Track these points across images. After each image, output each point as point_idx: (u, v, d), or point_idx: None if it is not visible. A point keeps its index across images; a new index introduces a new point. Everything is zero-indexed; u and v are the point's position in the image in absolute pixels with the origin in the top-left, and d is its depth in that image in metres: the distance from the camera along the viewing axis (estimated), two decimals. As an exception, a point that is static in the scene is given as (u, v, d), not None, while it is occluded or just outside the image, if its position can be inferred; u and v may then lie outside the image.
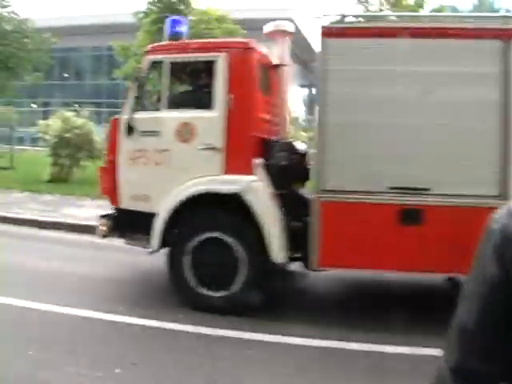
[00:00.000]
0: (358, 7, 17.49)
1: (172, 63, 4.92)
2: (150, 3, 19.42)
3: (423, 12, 16.91)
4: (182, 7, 19.13)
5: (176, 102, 4.98)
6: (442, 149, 4.52)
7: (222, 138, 4.79)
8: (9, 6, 17.53)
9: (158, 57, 4.95)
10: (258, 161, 4.84)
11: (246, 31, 15.53)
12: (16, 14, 17.60)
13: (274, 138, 5.19)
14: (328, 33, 4.60)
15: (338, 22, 4.70)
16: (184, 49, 4.96)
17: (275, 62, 5.35)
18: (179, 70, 5.09)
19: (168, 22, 5.04)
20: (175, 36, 5.02)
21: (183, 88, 5.48)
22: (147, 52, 5.01)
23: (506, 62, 4.45)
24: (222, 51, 4.82)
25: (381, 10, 17.06)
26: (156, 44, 5.09)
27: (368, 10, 17.41)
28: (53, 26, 22.26)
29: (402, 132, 4.55)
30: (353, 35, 4.64)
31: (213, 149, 4.79)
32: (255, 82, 4.85)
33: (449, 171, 4.52)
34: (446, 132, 4.52)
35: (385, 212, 4.54)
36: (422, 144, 4.54)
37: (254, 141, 4.83)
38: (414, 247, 4.53)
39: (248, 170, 4.79)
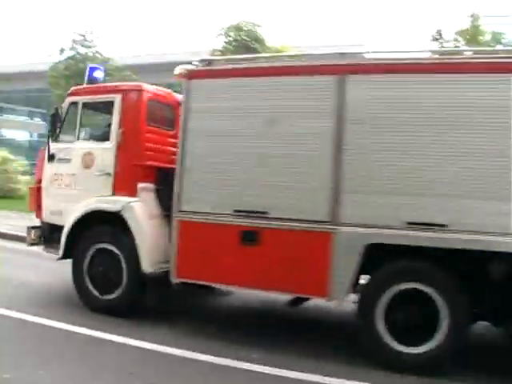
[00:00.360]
0: (433, 44, 17.22)
1: (83, 103, 6.01)
2: (226, 42, 20.93)
3: (499, 47, 16.16)
4: (257, 45, 20.31)
5: (85, 135, 6.05)
6: (280, 176, 4.92)
7: (113, 165, 5.71)
8: (94, 46, 20.34)
9: (74, 98, 6.08)
10: (141, 185, 5.66)
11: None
12: (100, 53, 20.30)
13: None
14: (191, 75, 5.32)
15: (203, 65, 5.39)
16: (93, 91, 6.03)
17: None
18: (89, 109, 6.16)
19: (87, 68, 6.15)
20: (92, 81, 6.12)
21: (92, 123, 6.53)
22: (68, 94, 6.17)
23: (341, 95, 4.76)
24: (118, 93, 5.79)
25: (456, 47, 16.62)
26: (74, 88, 6.21)
27: (443, 47, 17.05)
28: (132, 63, 24.07)
29: (248, 161, 5.05)
30: (212, 76, 5.30)
31: (106, 174, 5.73)
32: (143, 118, 5.70)
33: (285, 197, 4.89)
34: (284, 161, 4.92)
35: (229, 232, 5.04)
36: (263, 171, 4.99)
37: (138, 168, 5.66)
38: (254, 266, 4.96)
39: (133, 193, 5.63)
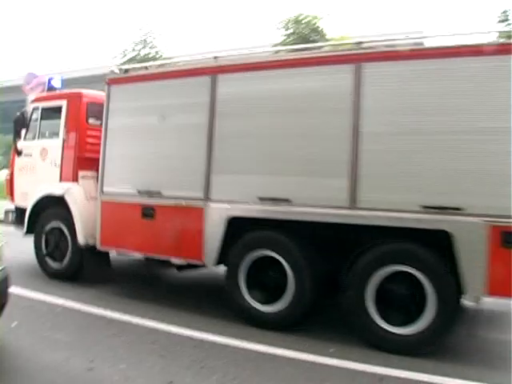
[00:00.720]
0: (498, 26, 16.59)
1: (42, 108, 7.36)
2: (285, 35, 21.24)
3: None
4: (317, 37, 20.43)
5: (43, 134, 7.38)
6: (169, 162, 5.91)
7: (60, 157, 7.00)
8: (155, 47, 21.58)
9: (37, 104, 7.45)
10: (82, 173, 6.89)
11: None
12: (161, 53, 20.94)
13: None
14: (110, 81, 6.45)
15: (121, 72, 6.50)
16: (50, 98, 7.36)
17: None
18: (47, 113, 7.46)
19: (47, 79, 7.52)
20: (51, 89, 7.46)
21: (49, 124, 7.83)
22: (32, 101, 7.55)
23: (213, 92, 5.64)
24: (64, 99, 7.08)
25: None
26: (36, 96, 7.58)
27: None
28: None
29: (146, 151, 6.09)
30: (125, 82, 6.38)
31: (56, 165, 7.03)
32: (83, 118, 6.94)
33: (172, 178, 5.87)
34: (172, 149, 5.90)
35: (134, 209, 6.11)
36: (157, 158, 6.00)
37: (80, 159, 6.89)
38: (152, 236, 6.00)
39: (76, 179, 6.88)
